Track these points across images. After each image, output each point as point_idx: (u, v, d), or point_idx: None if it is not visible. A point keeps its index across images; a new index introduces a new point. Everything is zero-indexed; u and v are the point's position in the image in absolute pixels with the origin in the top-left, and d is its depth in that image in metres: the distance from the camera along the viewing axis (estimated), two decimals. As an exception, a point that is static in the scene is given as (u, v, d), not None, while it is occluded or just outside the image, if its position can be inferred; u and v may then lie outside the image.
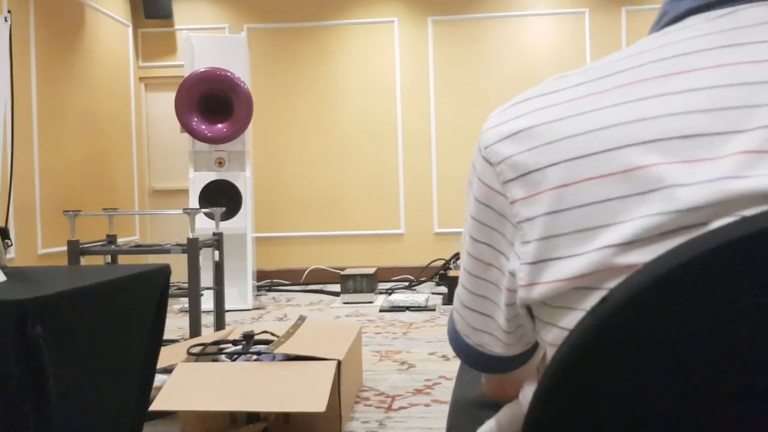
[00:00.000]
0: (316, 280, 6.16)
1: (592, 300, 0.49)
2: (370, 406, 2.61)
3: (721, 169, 0.46)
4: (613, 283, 0.47)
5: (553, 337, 0.52)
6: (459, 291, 0.65)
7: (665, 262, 0.43)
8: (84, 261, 3.45)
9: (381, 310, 4.70)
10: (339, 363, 2.32)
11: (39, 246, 4.66)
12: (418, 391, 2.77)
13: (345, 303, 5.04)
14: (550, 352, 0.54)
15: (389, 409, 2.56)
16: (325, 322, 3.09)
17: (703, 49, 0.49)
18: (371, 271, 5.16)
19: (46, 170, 4.80)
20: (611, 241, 0.48)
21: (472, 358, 0.67)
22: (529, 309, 0.55)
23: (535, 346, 0.66)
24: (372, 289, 5.07)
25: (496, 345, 0.63)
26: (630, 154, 0.48)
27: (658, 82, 0.49)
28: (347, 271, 5.20)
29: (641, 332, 0.44)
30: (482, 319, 0.62)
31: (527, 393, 0.59)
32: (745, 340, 0.43)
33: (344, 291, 5.07)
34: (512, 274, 0.54)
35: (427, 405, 2.59)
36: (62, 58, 5.09)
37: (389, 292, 5.46)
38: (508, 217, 0.54)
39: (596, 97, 0.51)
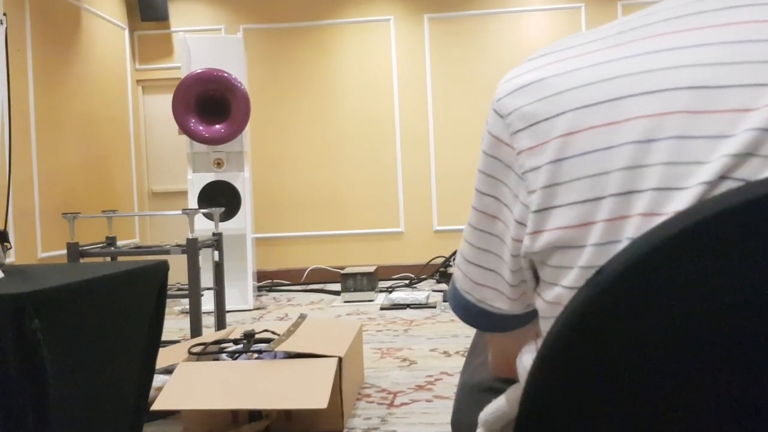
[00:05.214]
0: (316, 279, 6.16)
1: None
2: (372, 402, 2.60)
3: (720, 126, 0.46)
4: (613, 234, 0.48)
5: (554, 295, 0.53)
6: (462, 247, 0.65)
7: (657, 234, 0.43)
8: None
9: (382, 308, 4.69)
10: (340, 360, 2.32)
11: (39, 250, 4.65)
12: (419, 387, 2.77)
13: (346, 302, 5.03)
14: (548, 314, 0.54)
15: (391, 405, 2.56)
16: (326, 319, 3.08)
17: (714, 9, 0.50)
18: (371, 269, 5.16)
19: (45, 174, 4.80)
20: (611, 190, 0.48)
21: (471, 314, 0.67)
22: (533, 267, 0.55)
23: (535, 312, 0.66)
24: (372, 288, 5.06)
25: (498, 299, 0.63)
26: (633, 103, 0.48)
27: (669, 38, 0.50)
28: (347, 270, 5.20)
29: (637, 303, 0.43)
30: (485, 274, 0.62)
31: (525, 361, 0.59)
32: (744, 311, 0.43)
33: (345, 290, 5.07)
34: (519, 223, 0.54)
35: (429, 401, 2.59)
36: (59, 62, 5.09)
37: (390, 290, 5.46)
38: (514, 168, 0.54)
39: (608, 51, 0.52)
